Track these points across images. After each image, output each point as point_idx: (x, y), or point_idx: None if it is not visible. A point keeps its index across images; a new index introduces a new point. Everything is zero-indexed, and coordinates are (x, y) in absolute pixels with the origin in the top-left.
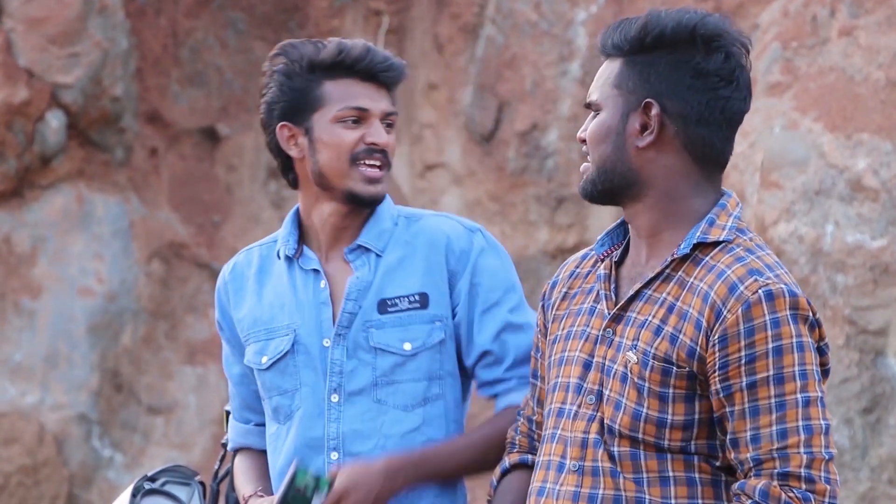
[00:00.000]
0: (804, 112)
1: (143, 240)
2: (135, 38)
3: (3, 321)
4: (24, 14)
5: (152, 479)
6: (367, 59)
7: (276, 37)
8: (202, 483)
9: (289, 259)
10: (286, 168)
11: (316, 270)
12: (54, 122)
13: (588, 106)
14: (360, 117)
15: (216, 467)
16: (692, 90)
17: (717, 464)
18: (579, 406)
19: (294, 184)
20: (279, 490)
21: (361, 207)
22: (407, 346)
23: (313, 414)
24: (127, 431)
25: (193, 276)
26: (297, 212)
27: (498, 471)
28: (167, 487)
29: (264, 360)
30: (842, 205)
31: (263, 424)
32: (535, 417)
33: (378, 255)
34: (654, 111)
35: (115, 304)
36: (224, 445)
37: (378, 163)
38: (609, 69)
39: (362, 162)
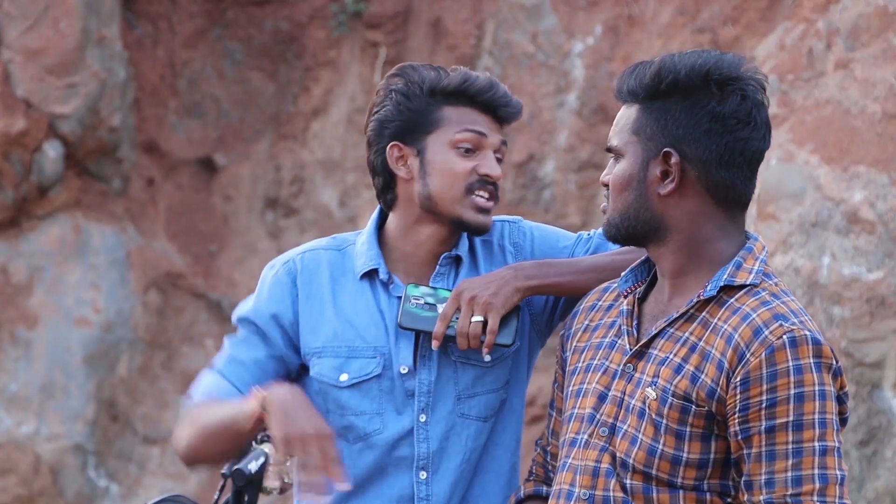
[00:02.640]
0: (800, 144)
1: (140, 270)
2: (132, 68)
3: None
4: (22, 44)
5: None
6: (490, 91)
7: (274, 68)
8: None
9: (371, 279)
10: (386, 187)
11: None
12: (52, 152)
13: (609, 150)
14: (475, 146)
15: (216, 497)
16: (710, 134)
17: (730, 500)
18: (591, 436)
19: (390, 204)
20: (400, 306)
21: (468, 234)
22: (486, 357)
23: (401, 435)
24: (123, 461)
25: (190, 306)
26: (377, 229)
27: (513, 500)
28: None
29: (343, 377)
30: (838, 237)
31: None
32: (549, 448)
33: (457, 271)
34: (674, 159)
35: (112, 334)
36: (224, 475)
37: (488, 194)
38: (626, 115)
39: (476, 192)
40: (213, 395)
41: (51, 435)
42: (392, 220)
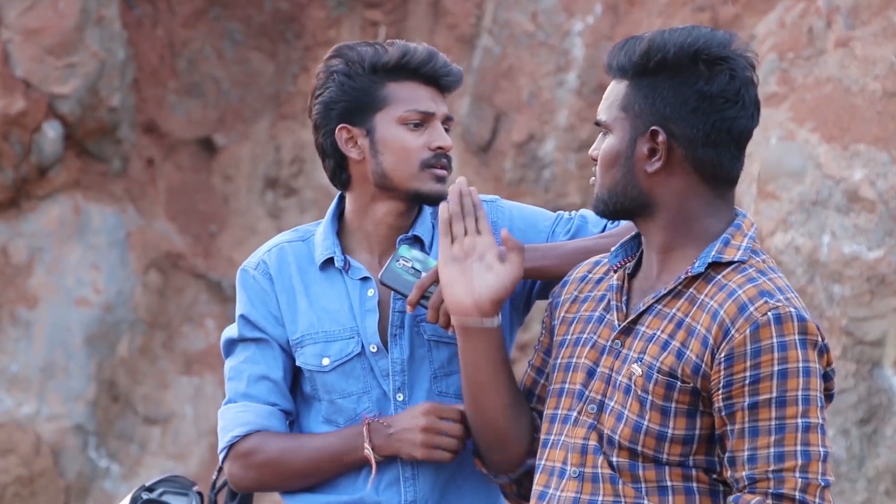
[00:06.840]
0: (801, 123)
1: (140, 250)
2: (132, 48)
3: None
4: (22, 24)
5: (150, 489)
6: (431, 63)
7: (273, 47)
8: (200, 493)
9: (332, 267)
10: (339, 168)
11: (365, 278)
12: (51, 132)
13: (598, 124)
14: (423, 121)
15: (214, 477)
16: (697, 113)
17: (715, 476)
18: (580, 413)
19: (345, 185)
20: (387, 262)
21: (426, 205)
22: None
23: (383, 415)
24: (123, 442)
25: (190, 286)
26: (335, 215)
27: None
28: (165, 497)
29: (325, 361)
30: (838, 215)
31: (287, 412)
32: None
33: (426, 251)
34: (661, 138)
35: (112, 314)
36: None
37: (443, 167)
38: (616, 90)
39: (432, 166)
40: (259, 425)
41: (51, 415)
42: (349, 201)
